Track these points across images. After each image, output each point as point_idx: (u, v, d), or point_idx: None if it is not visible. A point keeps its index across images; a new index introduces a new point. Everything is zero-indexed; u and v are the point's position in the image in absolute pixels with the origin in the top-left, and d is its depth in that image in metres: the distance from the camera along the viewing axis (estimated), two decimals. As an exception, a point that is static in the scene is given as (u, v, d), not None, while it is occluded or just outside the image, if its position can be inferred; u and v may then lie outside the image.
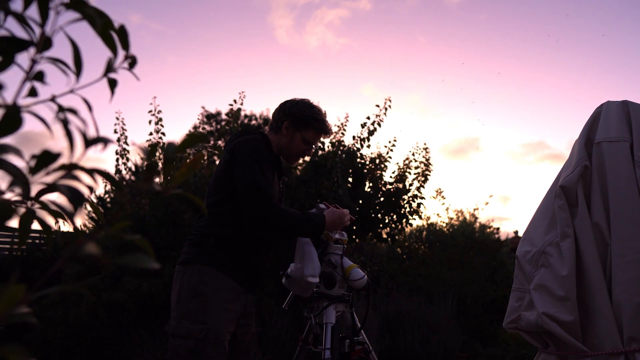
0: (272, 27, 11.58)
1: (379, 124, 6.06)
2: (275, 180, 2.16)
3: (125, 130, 6.24)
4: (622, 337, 1.47)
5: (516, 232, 10.78)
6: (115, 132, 6.24)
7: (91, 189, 0.37)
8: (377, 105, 6.09)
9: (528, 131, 14.54)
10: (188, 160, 0.38)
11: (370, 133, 6.05)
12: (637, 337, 1.45)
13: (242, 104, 6.36)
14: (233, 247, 2.07)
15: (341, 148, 5.98)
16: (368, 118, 6.09)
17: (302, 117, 2.22)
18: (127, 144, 6.25)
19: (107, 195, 6.73)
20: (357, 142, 6.06)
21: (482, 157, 14.63)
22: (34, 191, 0.35)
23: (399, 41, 12.15)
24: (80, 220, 6.66)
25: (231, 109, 6.39)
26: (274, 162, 2.16)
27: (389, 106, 6.08)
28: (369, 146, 6.23)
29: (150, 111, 6.11)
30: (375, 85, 12.22)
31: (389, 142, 6.32)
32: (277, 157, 2.26)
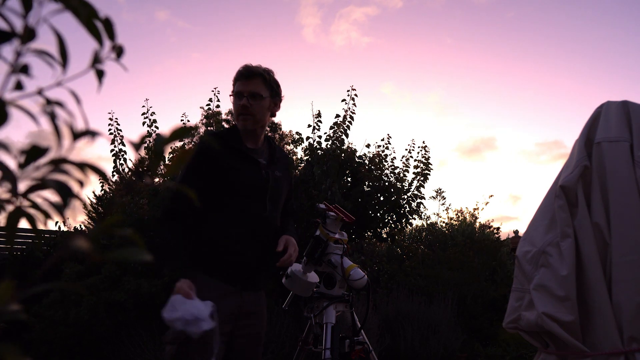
0: (300, 26, 11.56)
1: (351, 117, 5.83)
2: (247, 166, 2.14)
3: (120, 130, 6.22)
4: (622, 337, 1.46)
5: (516, 232, 10.77)
6: (111, 132, 6.20)
7: (81, 183, 0.36)
8: (343, 100, 5.81)
9: (544, 130, 14.45)
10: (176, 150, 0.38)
11: (345, 130, 5.84)
12: (637, 337, 1.44)
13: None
14: (211, 246, 2.07)
15: (318, 145, 5.88)
16: (338, 116, 5.87)
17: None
18: (124, 145, 6.22)
19: (105, 195, 6.73)
20: (333, 144, 5.85)
21: (497, 156, 14.58)
22: (23, 186, 0.35)
23: (425, 38, 12.16)
24: (71, 217, 6.63)
25: (230, 111, 6.36)
26: (232, 152, 2.13)
27: (355, 95, 5.81)
28: (368, 147, 6.20)
29: (143, 114, 6.08)
30: (395, 84, 12.21)
31: (382, 140, 6.24)
32: (242, 143, 2.20)
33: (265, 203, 2.16)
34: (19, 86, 0.35)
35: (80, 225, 7.18)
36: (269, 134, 6.69)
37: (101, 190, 6.76)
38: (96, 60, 0.38)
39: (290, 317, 4.75)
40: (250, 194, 2.12)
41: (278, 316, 4.73)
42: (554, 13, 11.95)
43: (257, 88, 2.16)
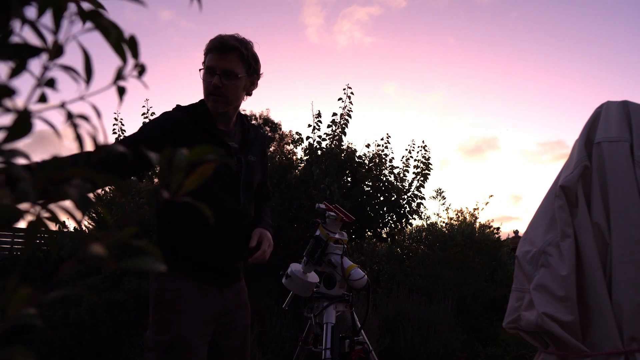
0: (303, 25, 11.58)
1: (348, 115, 5.80)
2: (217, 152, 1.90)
3: (124, 131, 6.26)
4: (622, 337, 1.47)
5: (516, 232, 10.78)
6: (114, 132, 6.25)
7: (98, 194, 0.37)
8: (340, 99, 5.79)
9: (546, 130, 14.48)
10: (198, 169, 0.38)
11: (342, 128, 5.82)
12: (637, 337, 1.45)
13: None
14: (185, 247, 1.89)
15: (319, 145, 5.87)
16: (335, 114, 5.84)
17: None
18: None
19: (105, 195, 6.74)
20: (333, 141, 5.82)
21: (498, 156, 14.62)
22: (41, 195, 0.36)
23: (428, 38, 12.20)
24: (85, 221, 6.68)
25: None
26: (202, 132, 1.90)
27: (351, 93, 5.79)
28: (368, 147, 6.20)
29: (143, 114, 6.08)
30: (397, 84, 12.25)
31: (381, 139, 6.24)
32: (216, 124, 1.96)
33: (239, 195, 1.95)
34: (43, 99, 0.37)
35: (84, 228, 7.19)
36: (269, 134, 6.69)
37: (101, 190, 6.78)
38: (119, 77, 0.39)
39: (290, 317, 4.76)
40: (222, 185, 1.89)
41: (278, 316, 4.74)
42: (557, 13, 11.98)
43: (232, 65, 1.88)
